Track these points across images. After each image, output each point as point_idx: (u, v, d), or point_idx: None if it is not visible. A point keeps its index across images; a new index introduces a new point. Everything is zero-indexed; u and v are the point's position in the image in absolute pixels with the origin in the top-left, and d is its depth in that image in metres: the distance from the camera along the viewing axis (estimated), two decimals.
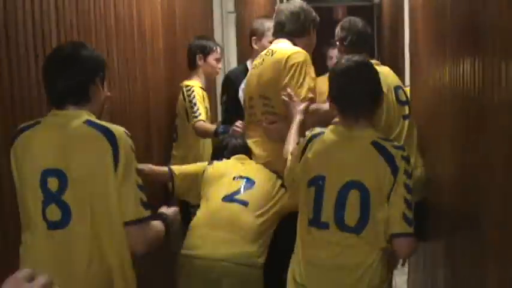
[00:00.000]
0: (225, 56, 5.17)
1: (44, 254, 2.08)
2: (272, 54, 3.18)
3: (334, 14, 10.02)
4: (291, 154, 2.66)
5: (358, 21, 3.45)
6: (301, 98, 3.02)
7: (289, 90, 3.03)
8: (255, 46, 4.04)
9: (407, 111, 3.24)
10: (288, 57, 3.08)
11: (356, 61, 2.50)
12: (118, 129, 2.11)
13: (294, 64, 3.06)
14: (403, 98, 3.31)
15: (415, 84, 3.80)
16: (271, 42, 3.48)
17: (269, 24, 3.79)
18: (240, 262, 2.79)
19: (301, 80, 3.06)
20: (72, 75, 2.14)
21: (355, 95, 2.44)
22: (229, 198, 2.95)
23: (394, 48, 6.08)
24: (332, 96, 2.51)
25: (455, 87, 2.22)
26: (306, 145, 2.49)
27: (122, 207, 2.08)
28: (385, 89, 2.98)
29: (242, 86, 3.83)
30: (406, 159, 2.39)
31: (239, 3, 5.78)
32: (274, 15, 3.33)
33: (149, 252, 2.21)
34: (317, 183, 2.42)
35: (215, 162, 3.19)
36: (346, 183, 2.37)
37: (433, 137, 2.95)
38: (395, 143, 2.49)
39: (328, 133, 2.48)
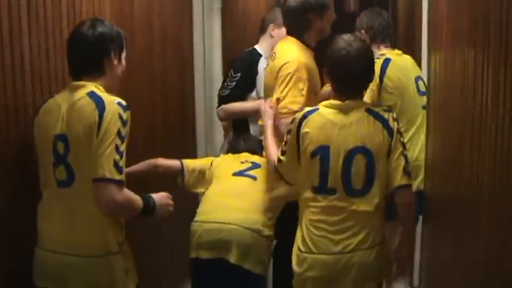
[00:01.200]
0: (205, 57, 4.45)
1: (54, 209, 2.34)
2: (274, 59, 3.20)
3: (345, 5, 9.24)
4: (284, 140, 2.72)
5: (382, 12, 3.78)
6: (280, 107, 3.02)
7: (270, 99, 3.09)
8: (273, 33, 4.01)
9: (425, 101, 3.57)
10: (280, 68, 3.08)
11: (352, 39, 2.64)
12: (110, 100, 2.29)
13: (282, 75, 3.05)
14: (423, 89, 3.71)
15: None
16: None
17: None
18: (247, 226, 2.92)
19: (285, 92, 3.04)
20: (86, 49, 2.36)
21: (353, 71, 2.60)
22: (239, 173, 3.15)
23: (410, 41, 5.42)
24: (330, 73, 2.66)
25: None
26: (300, 123, 2.63)
27: (93, 166, 2.23)
28: (406, 80, 3.72)
29: (263, 65, 3.83)
30: (397, 120, 2.65)
31: None
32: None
33: (114, 215, 2.31)
34: (321, 153, 2.58)
35: (222, 155, 3.48)
36: (351, 150, 2.56)
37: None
38: (384, 107, 2.74)
39: (323, 108, 2.65)
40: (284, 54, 3.11)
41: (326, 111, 2.63)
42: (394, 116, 2.64)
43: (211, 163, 3.26)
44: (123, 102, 2.30)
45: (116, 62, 2.42)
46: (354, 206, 2.57)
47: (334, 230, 2.58)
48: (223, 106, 3.89)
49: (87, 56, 2.37)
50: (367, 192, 2.57)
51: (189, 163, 3.27)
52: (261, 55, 3.99)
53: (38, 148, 2.37)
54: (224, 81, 4.04)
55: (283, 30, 3.57)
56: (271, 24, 4.02)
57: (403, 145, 2.62)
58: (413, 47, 5.08)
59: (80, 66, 2.37)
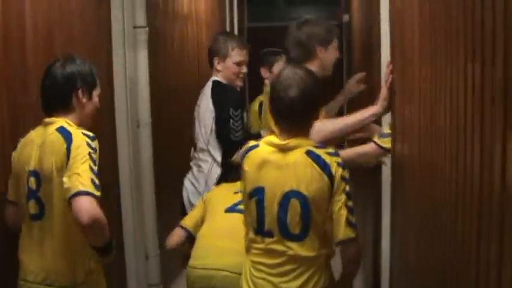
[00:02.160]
0: (127, 85, 3.77)
1: (29, 242, 2.47)
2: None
3: None
4: None
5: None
6: None
7: None
8: (218, 67, 3.93)
9: None
10: None
11: (293, 69, 2.51)
12: (77, 132, 2.41)
13: None
14: None
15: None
16: (237, 64, 3.87)
17: (234, 43, 3.90)
18: (239, 272, 2.74)
19: None
20: (54, 87, 2.50)
21: (287, 104, 2.44)
22: (231, 208, 3.09)
23: (368, 69, 4.84)
24: (269, 102, 2.54)
25: None
26: (242, 159, 2.57)
27: (68, 185, 2.27)
28: None
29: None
30: (342, 166, 2.44)
31: (154, 15, 4.32)
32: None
33: (90, 231, 2.27)
34: (257, 194, 2.50)
35: (213, 187, 3.56)
36: (285, 194, 2.44)
37: None
38: (330, 150, 2.49)
39: (262, 145, 2.54)
40: None
41: (265, 150, 2.51)
42: (340, 161, 2.43)
43: (204, 201, 3.28)
44: (90, 134, 2.41)
45: (84, 99, 2.52)
46: (292, 250, 2.46)
47: (274, 273, 2.50)
48: None
49: (55, 93, 2.49)
50: (306, 237, 2.45)
51: (190, 222, 3.24)
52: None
53: (15, 182, 2.50)
54: (224, 124, 3.69)
55: (228, 62, 3.85)
56: (215, 58, 3.92)
57: (348, 194, 2.42)
58: (371, 75, 4.52)
59: (49, 103, 2.49)
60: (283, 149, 2.46)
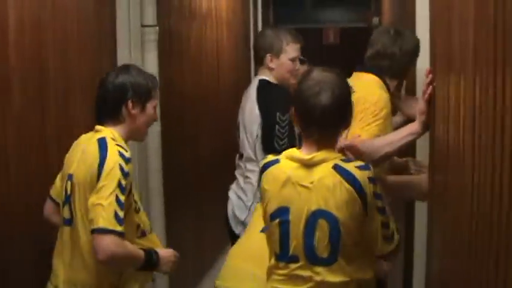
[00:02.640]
0: None
1: (61, 246, 2.47)
2: None
3: (324, 36, 8.37)
4: None
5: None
6: None
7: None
8: (271, 64, 3.53)
9: None
10: None
11: (323, 73, 2.26)
12: (114, 150, 2.36)
13: None
14: None
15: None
16: (292, 60, 3.50)
17: (288, 38, 3.53)
18: None
19: None
20: (104, 96, 2.50)
21: (319, 112, 2.19)
22: (267, 228, 2.62)
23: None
24: (295, 109, 2.29)
25: None
26: (260, 176, 2.37)
27: (92, 216, 2.28)
28: None
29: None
30: (373, 181, 2.20)
31: (167, 12, 3.96)
32: None
33: (111, 267, 2.37)
34: (281, 215, 2.29)
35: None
36: (312, 213, 2.23)
37: None
38: (360, 163, 2.23)
39: (284, 160, 2.31)
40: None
41: (287, 165, 2.29)
42: (371, 175, 2.19)
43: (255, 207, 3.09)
44: (126, 155, 2.38)
45: (135, 111, 2.49)
46: (319, 276, 2.25)
47: None
48: None
49: (105, 103, 2.49)
50: (334, 261, 2.24)
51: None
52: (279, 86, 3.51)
53: (60, 182, 2.53)
54: (269, 131, 3.34)
55: (283, 58, 3.48)
56: (268, 55, 3.51)
57: (382, 211, 2.22)
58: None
59: (99, 111, 2.50)
60: (308, 164, 2.23)
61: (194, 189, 4.63)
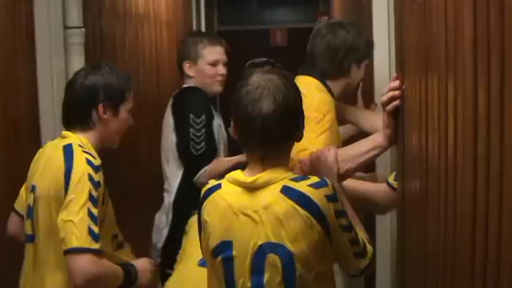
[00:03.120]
0: (54, 97, 3.09)
1: (24, 265, 2.28)
2: None
3: (271, 37, 8.09)
4: None
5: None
6: None
7: None
8: (189, 72, 3.26)
9: None
10: None
11: (265, 75, 1.89)
12: (81, 159, 2.14)
13: None
14: None
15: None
16: (212, 64, 3.23)
17: (205, 41, 3.27)
18: None
19: None
20: (72, 99, 2.27)
21: (259, 122, 1.82)
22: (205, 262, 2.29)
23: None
24: (234, 119, 1.94)
25: None
26: (201, 206, 1.97)
27: (63, 234, 2.07)
28: None
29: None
30: (333, 198, 1.84)
31: (97, 13, 3.59)
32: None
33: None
34: (223, 251, 1.93)
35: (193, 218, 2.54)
36: (259, 248, 1.85)
37: None
38: (314, 180, 1.85)
39: (226, 184, 1.94)
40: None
41: (229, 191, 1.92)
42: (330, 191, 1.84)
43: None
44: (95, 162, 2.17)
45: (106, 115, 2.28)
46: None
47: None
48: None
49: (73, 107, 2.28)
50: None
51: None
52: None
53: (24, 193, 2.33)
54: (183, 135, 3.04)
55: (201, 64, 3.22)
56: (185, 62, 3.28)
57: (348, 228, 1.88)
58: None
59: (66, 116, 2.30)
60: (251, 188, 1.87)
61: (133, 201, 4.25)
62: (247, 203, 1.88)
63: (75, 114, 2.26)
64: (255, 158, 1.89)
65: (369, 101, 3.04)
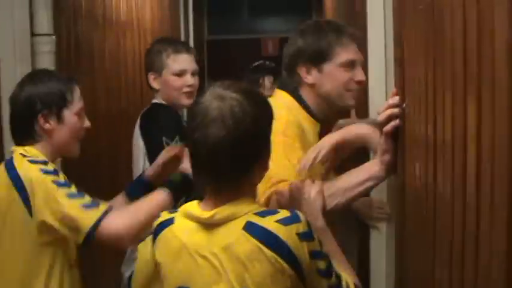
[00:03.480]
0: None
1: None
2: None
3: (263, 47, 7.86)
4: None
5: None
6: None
7: None
8: (154, 84, 2.98)
9: None
10: None
11: (220, 91, 1.59)
12: (22, 162, 2.05)
13: None
14: None
15: None
16: (178, 75, 2.91)
17: (168, 49, 2.96)
18: None
19: None
20: (14, 114, 2.18)
21: (208, 151, 1.56)
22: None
23: None
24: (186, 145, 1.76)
25: None
26: (152, 243, 1.69)
27: (73, 229, 2.01)
28: None
29: None
30: (307, 236, 1.54)
31: (73, 19, 3.33)
32: None
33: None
34: None
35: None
36: None
37: None
38: (284, 215, 1.55)
39: (179, 219, 1.66)
40: None
41: (183, 227, 1.64)
42: (302, 228, 1.55)
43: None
44: (36, 158, 2.06)
45: (50, 125, 2.12)
46: None
47: None
48: None
49: (14, 120, 2.18)
50: None
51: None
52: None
53: None
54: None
55: (166, 74, 2.91)
56: (150, 74, 2.99)
57: (326, 272, 1.58)
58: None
59: (13, 130, 2.19)
60: (210, 225, 1.60)
61: None
62: (204, 242, 1.61)
63: (19, 129, 2.16)
64: (211, 189, 1.64)
65: (363, 115, 2.78)
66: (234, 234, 1.57)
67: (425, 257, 1.38)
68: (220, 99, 1.57)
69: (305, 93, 2.29)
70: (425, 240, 1.37)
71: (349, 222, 2.83)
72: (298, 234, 1.54)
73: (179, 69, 2.94)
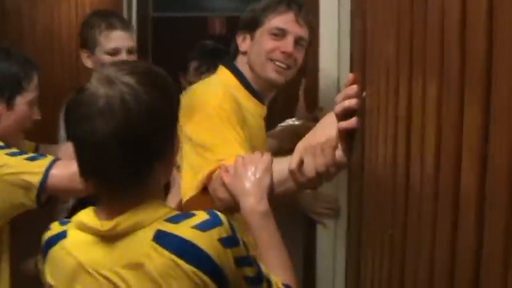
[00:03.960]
0: None
1: None
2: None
3: (210, 26, 7.60)
4: None
5: None
6: None
7: None
8: (87, 64, 2.76)
9: None
10: None
11: (112, 74, 1.31)
12: None
13: None
14: None
15: None
16: (111, 53, 2.65)
17: (102, 25, 2.69)
18: None
19: None
20: None
21: (94, 151, 1.31)
22: None
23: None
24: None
25: None
26: (43, 261, 1.44)
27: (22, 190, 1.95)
28: None
29: None
30: (230, 241, 1.32)
31: None
32: None
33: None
34: None
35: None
36: None
37: None
38: (201, 218, 1.32)
39: (72, 232, 1.40)
40: None
41: (77, 242, 1.38)
42: (225, 233, 1.33)
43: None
44: None
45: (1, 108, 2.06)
46: None
47: None
48: None
49: None
50: None
51: None
52: None
53: None
54: None
55: (98, 53, 2.68)
56: (83, 52, 2.80)
57: (256, 279, 1.38)
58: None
59: None
60: (111, 237, 1.35)
61: None
62: (105, 259, 1.35)
63: None
64: (106, 195, 1.39)
65: (312, 104, 2.57)
66: (142, 248, 1.33)
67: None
68: (109, 84, 1.30)
69: (240, 64, 2.16)
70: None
71: (293, 214, 2.63)
72: (220, 240, 1.32)
73: (112, 48, 2.70)
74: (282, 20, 2.10)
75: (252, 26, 2.13)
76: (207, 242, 1.31)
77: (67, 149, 2.21)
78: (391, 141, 0.99)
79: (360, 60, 1.31)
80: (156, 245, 1.32)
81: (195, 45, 4.05)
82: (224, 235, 1.34)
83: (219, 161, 1.78)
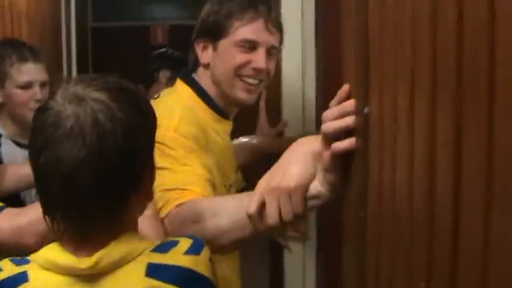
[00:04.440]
0: None
1: None
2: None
3: (151, 35, 7.42)
4: None
5: None
6: None
7: None
8: None
9: None
10: None
11: (80, 91, 1.15)
12: None
13: None
14: None
15: None
16: (23, 87, 2.50)
17: (13, 57, 2.49)
18: None
19: None
20: None
21: (56, 181, 1.13)
22: None
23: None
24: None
25: None
26: None
27: None
28: None
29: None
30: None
31: None
32: None
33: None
34: None
35: None
36: None
37: None
38: (187, 243, 1.23)
39: (35, 273, 1.16)
40: None
41: (45, 285, 1.14)
42: (209, 251, 1.25)
43: None
44: None
45: None
46: None
47: None
48: None
49: None
50: None
51: None
52: None
53: None
54: None
55: (9, 89, 2.52)
56: None
57: None
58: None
59: None
60: (91, 276, 1.16)
61: None
62: None
63: None
64: (74, 229, 1.20)
65: (275, 117, 2.40)
66: (133, 286, 1.17)
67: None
68: (78, 102, 1.13)
69: (201, 77, 1.92)
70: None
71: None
72: (210, 259, 1.26)
73: (25, 81, 2.51)
74: (250, 30, 1.85)
75: (214, 34, 1.88)
76: (203, 265, 1.23)
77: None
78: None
79: (363, 64, 1.09)
80: (152, 280, 1.18)
81: (154, 54, 3.87)
82: (210, 254, 1.27)
83: (183, 196, 1.58)
